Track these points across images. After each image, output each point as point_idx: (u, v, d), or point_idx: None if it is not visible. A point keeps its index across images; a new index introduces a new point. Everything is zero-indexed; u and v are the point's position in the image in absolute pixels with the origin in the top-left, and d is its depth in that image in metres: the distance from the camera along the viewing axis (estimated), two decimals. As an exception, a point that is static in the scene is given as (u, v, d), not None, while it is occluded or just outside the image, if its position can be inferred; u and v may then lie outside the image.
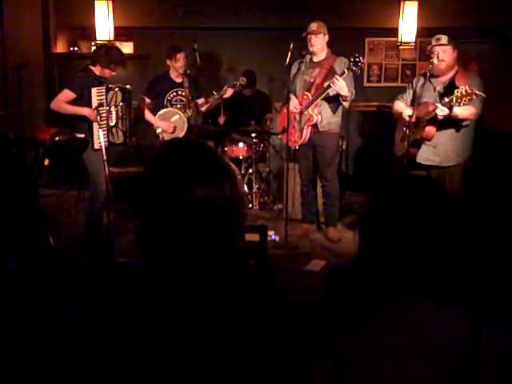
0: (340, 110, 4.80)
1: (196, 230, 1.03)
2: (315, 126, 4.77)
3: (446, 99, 3.77)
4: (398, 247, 1.08)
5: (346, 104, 4.65)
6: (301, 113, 4.79)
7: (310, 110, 4.72)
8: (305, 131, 4.79)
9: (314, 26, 4.64)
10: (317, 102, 4.68)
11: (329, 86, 4.49)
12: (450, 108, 3.75)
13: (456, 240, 1.08)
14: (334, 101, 4.68)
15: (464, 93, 3.64)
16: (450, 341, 1.03)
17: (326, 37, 4.70)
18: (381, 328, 1.06)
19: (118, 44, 6.60)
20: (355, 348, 1.05)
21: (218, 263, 1.08)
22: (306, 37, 4.66)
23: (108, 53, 4.26)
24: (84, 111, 4.17)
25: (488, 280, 1.33)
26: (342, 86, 4.39)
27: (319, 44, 4.67)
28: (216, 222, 1.03)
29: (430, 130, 4.01)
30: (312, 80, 4.75)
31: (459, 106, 3.72)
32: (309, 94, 4.75)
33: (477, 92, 3.65)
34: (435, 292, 1.07)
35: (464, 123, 3.99)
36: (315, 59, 4.77)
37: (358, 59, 4.35)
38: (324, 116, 4.74)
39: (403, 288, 1.08)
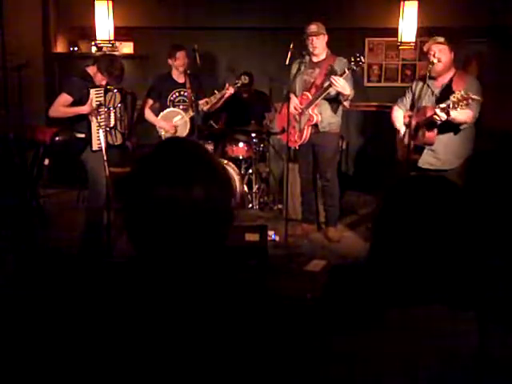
0: (340, 110, 4.81)
1: (169, 226, 1.03)
2: (315, 126, 4.77)
3: (443, 105, 3.77)
4: (412, 249, 1.06)
5: (346, 104, 4.67)
6: (301, 113, 4.79)
7: (310, 109, 4.72)
8: (305, 131, 4.79)
9: (314, 27, 4.64)
10: (317, 102, 4.68)
11: (329, 86, 4.50)
12: (448, 113, 3.76)
13: (470, 242, 1.06)
14: (334, 101, 4.69)
15: (460, 97, 3.66)
16: (460, 348, 1.01)
17: (326, 37, 4.71)
18: (390, 334, 1.04)
19: (118, 44, 6.64)
20: (358, 353, 1.04)
21: (208, 262, 1.07)
22: (307, 39, 4.67)
23: (111, 62, 4.27)
24: (83, 109, 4.17)
25: (495, 281, 1.32)
26: (343, 85, 4.40)
27: (320, 45, 4.68)
28: (188, 221, 1.03)
29: (430, 135, 4.02)
30: (312, 80, 4.76)
31: (456, 110, 3.73)
32: (309, 94, 4.75)
33: (472, 96, 3.66)
34: (447, 296, 1.05)
35: (462, 126, 3.99)
36: (315, 59, 4.77)
37: (358, 58, 4.36)
38: (324, 116, 4.75)
39: (415, 292, 1.06)
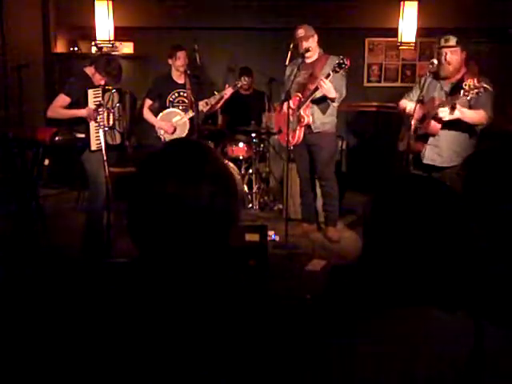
0: (333, 110, 4.81)
1: (175, 226, 1.03)
2: (309, 126, 4.79)
3: (459, 98, 3.72)
4: (403, 250, 1.06)
5: (334, 104, 4.71)
6: (293, 114, 4.80)
7: (301, 110, 4.74)
8: (298, 132, 4.81)
9: (301, 32, 4.65)
10: (307, 104, 4.71)
11: (316, 89, 4.53)
12: (453, 107, 3.73)
13: (463, 242, 1.07)
14: (324, 102, 4.71)
15: (472, 86, 3.61)
16: (455, 350, 1.01)
17: (316, 37, 4.71)
18: (384, 335, 1.05)
19: (118, 44, 6.64)
20: (356, 354, 1.04)
21: (210, 261, 1.07)
22: (298, 43, 4.67)
23: (108, 62, 4.26)
24: (81, 112, 4.16)
25: (490, 283, 1.32)
26: (328, 88, 4.44)
27: (311, 47, 4.69)
28: (194, 219, 1.03)
29: (435, 125, 3.99)
30: (304, 81, 4.78)
31: (467, 99, 3.69)
32: (300, 95, 4.77)
33: (484, 85, 3.61)
34: (442, 297, 1.05)
35: (478, 127, 3.97)
36: (308, 60, 4.77)
37: (341, 61, 4.40)
38: (316, 117, 4.76)
39: (409, 293, 1.06)
